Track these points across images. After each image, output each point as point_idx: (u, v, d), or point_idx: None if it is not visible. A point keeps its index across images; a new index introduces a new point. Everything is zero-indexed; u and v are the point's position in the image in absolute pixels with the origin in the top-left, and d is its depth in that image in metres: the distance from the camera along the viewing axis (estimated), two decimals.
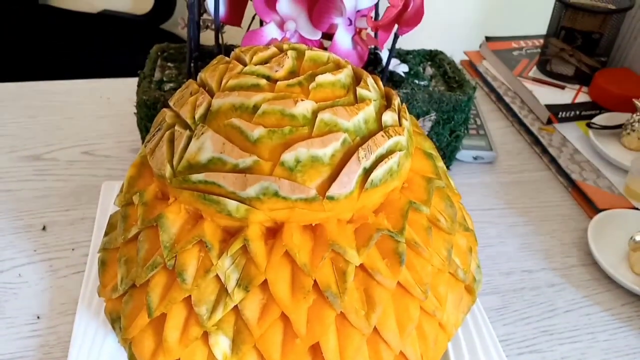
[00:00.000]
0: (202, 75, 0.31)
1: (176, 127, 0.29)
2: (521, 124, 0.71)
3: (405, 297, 0.29)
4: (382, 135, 0.28)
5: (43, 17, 1.25)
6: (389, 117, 0.30)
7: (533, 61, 0.80)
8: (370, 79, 0.31)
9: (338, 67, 0.31)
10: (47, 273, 0.49)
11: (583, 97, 0.73)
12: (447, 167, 0.62)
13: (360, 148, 0.27)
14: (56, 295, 0.47)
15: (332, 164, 0.27)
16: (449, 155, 0.61)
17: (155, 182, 0.30)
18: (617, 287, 0.51)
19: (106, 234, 0.33)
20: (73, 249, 0.51)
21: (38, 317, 0.45)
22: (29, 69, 1.04)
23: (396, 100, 0.32)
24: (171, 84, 0.56)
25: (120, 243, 0.31)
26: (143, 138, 0.56)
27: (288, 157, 0.26)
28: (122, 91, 0.75)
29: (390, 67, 0.58)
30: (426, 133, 0.58)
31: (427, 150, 0.33)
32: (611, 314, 0.49)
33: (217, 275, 0.27)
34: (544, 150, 0.67)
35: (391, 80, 0.58)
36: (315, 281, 0.27)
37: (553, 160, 0.65)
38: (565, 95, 0.73)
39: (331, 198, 0.27)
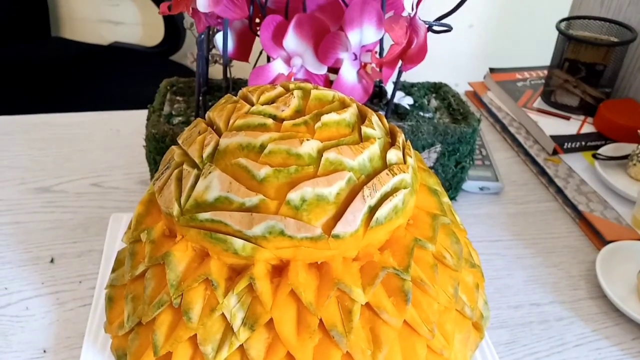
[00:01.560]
0: (210, 114, 0.32)
1: (184, 166, 0.29)
2: (527, 154, 0.72)
3: (412, 335, 0.29)
4: (387, 174, 0.29)
5: (55, 49, 1.28)
6: (393, 155, 0.30)
7: (537, 92, 0.81)
8: (375, 117, 0.32)
9: (343, 105, 0.32)
10: (54, 306, 0.49)
11: (588, 128, 0.73)
12: (453, 198, 0.62)
13: (365, 186, 0.28)
14: (62, 328, 0.47)
15: (338, 202, 0.27)
16: (454, 186, 0.62)
17: (163, 220, 0.30)
18: (627, 320, 0.51)
19: (113, 270, 0.33)
20: (80, 282, 0.52)
21: (44, 351, 0.45)
22: (40, 100, 1.06)
23: (400, 138, 0.32)
24: (180, 118, 0.57)
25: (127, 280, 0.31)
26: (152, 171, 0.57)
27: (294, 196, 0.26)
28: (132, 123, 0.76)
29: (395, 100, 0.59)
30: (431, 165, 0.59)
31: (432, 186, 0.33)
32: (621, 349, 0.48)
33: (222, 314, 0.28)
34: (550, 181, 0.67)
35: (396, 112, 0.59)
36: (321, 320, 0.27)
37: (559, 191, 0.65)
38: (571, 126, 0.74)
39: (337, 237, 0.27)
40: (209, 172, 0.28)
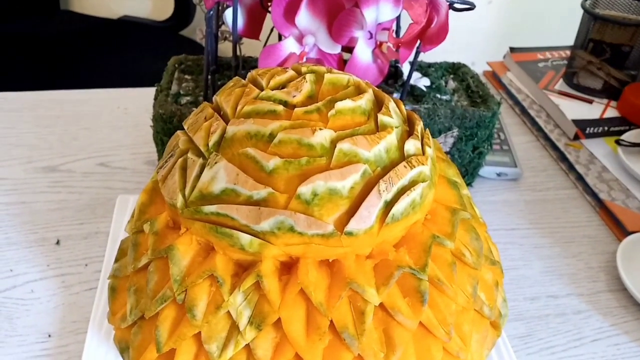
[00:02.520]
0: (217, 98, 0.30)
1: (189, 155, 0.27)
2: (547, 139, 0.69)
3: (428, 337, 0.27)
4: (405, 166, 0.27)
5: (64, 23, 1.26)
6: (411, 145, 0.28)
7: (559, 73, 0.78)
8: (392, 104, 0.30)
9: (359, 91, 0.30)
10: (60, 289, 0.48)
11: (612, 112, 0.70)
12: (469, 184, 0.60)
13: (381, 180, 0.26)
14: (68, 312, 0.46)
15: (351, 197, 0.25)
16: (471, 172, 0.59)
17: (167, 210, 0.28)
18: None
19: (116, 260, 0.32)
20: (86, 265, 0.51)
21: (49, 335, 0.44)
22: (48, 76, 1.04)
23: (419, 126, 0.30)
24: (188, 98, 0.55)
25: (130, 272, 0.30)
26: (159, 152, 0.56)
27: (305, 190, 0.25)
28: (140, 101, 0.74)
29: (412, 81, 0.57)
30: (448, 149, 0.57)
31: (452, 178, 0.31)
32: None
33: (228, 312, 0.26)
34: (571, 167, 0.64)
35: (412, 94, 0.56)
36: (331, 321, 0.25)
37: (580, 178, 0.63)
38: (593, 110, 0.71)
39: (350, 234, 0.25)
40: (215, 162, 0.26)
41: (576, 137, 0.68)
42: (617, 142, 0.65)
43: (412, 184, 0.27)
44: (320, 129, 0.26)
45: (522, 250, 0.55)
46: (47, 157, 0.63)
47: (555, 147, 0.67)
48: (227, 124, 0.27)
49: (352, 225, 0.25)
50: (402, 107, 0.31)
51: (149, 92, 0.69)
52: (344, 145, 0.26)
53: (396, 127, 0.28)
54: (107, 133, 0.68)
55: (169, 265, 0.26)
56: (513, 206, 0.60)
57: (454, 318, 0.28)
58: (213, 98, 0.31)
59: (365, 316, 0.25)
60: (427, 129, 0.31)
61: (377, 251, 0.27)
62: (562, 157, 0.66)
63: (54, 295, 0.47)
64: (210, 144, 0.27)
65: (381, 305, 0.26)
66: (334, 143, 0.26)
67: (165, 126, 0.52)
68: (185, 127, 0.30)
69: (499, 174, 0.63)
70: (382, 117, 0.28)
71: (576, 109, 0.70)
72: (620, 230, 0.56)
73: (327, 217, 0.25)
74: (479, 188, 0.61)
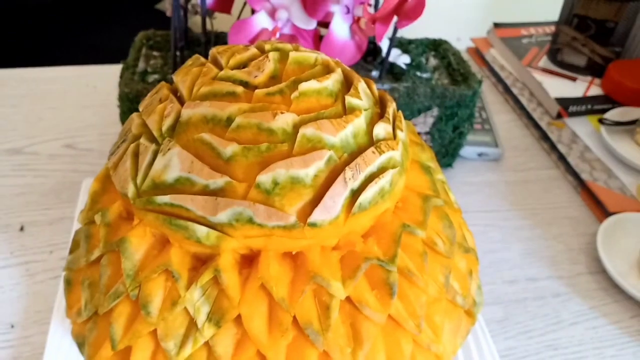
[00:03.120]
0: (175, 78, 0.28)
1: (142, 140, 0.25)
2: (529, 117, 0.68)
3: (397, 331, 0.26)
4: (373, 152, 0.25)
5: None
6: (381, 129, 0.26)
7: (543, 50, 0.76)
8: (362, 84, 0.28)
9: (327, 70, 0.28)
10: (23, 278, 0.46)
11: (595, 90, 0.69)
12: (449, 165, 0.59)
13: (347, 167, 0.24)
14: (32, 302, 0.44)
15: (315, 185, 0.24)
16: (451, 153, 0.58)
17: (120, 200, 0.26)
18: (626, 297, 0.49)
19: (71, 251, 0.30)
20: (51, 252, 0.49)
21: (12, 326, 0.42)
22: (12, 52, 1.00)
23: (391, 108, 0.28)
24: (156, 76, 0.52)
25: (83, 265, 0.28)
26: None
27: (264, 178, 0.23)
28: (109, 79, 0.71)
29: (391, 59, 0.55)
30: (427, 130, 0.55)
31: (425, 162, 0.29)
32: (619, 327, 0.46)
33: (185, 308, 0.25)
34: (553, 147, 0.63)
35: (391, 72, 0.54)
36: (295, 317, 0.24)
37: (562, 158, 0.62)
38: (577, 88, 0.69)
39: (313, 225, 0.23)
40: (168, 149, 0.24)
41: (559, 116, 0.66)
42: (600, 121, 0.64)
43: (381, 170, 0.25)
44: (282, 113, 0.24)
45: (502, 232, 0.54)
46: (11, 139, 0.60)
47: (537, 126, 0.66)
48: (183, 106, 0.25)
49: (316, 216, 0.23)
50: (374, 87, 0.29)
51: (119, 69, 0.66)
52: (307, 130, 0.24)
53: (365, 110, 0.26)
54: (75, 113, 0.65)
55: (121, 260, 0.25)
56: (494, 187, 0.59)
57: (425, 310, 0.26)
58: (172, 77, 0.29)
59: (330, 311, 0.24)
60: (400, 111, 0.29)
61: (343, 242, 0.25)
62: (545, 137, 0.65)
63: (17, 284, 0.45)
64: (164, 128, 0.25)
65: (348, 299, 0.25)
66: (296, 128, 0.24)
67: (132, 106, 0.50)
68: (140, 109, 0.28)
69: (480, 154, 0.61)
70: (350, 99, 0.26)
71: (559, 87, 0.69)
72: (602, 211, 0.56)
73: (289, 207, 0.23)
74: (459, 169, 0.60)
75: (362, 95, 0.27)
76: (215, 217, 0.23)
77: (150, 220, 0.24)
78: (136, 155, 0.25)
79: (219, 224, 0.23)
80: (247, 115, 0.24)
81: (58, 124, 0.63)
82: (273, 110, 0.24)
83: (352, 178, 0.24)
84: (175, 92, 0.28)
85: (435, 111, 0.53)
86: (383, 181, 0.25)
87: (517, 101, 0.70)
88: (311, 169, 0.23)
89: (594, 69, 0.71)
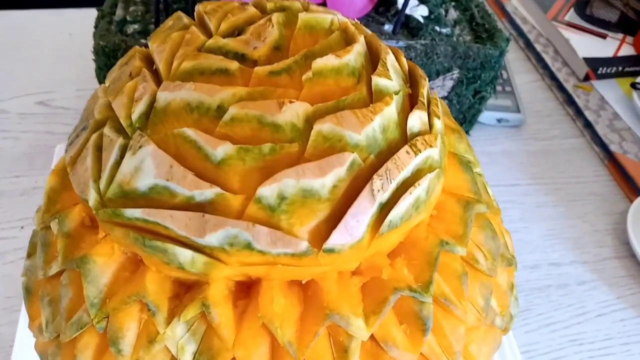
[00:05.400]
0: (150, 44, 0.22)
1: (106, 130, 0.19)
2: (553, 78, 0.61)
3: None
4: (407, 152, 0.19)
5: None
6: (416, 120, 0.20)
7: (570, 1, 0.69)
8: (390, 57, 0.22)
9: (347, 38, 0.21)
10: None
11: (627, 50, 0.62)
12: (467, 133, 0.53)
13: (375, 175, 0.18)
14: (1, 286, 0.40)
15: (333, 199, 0.18)
16: (469, 120, 0.52)
17: (82, 203, 0.21)
18: None
19: (28, 255, 0.25)
20: (22, 227, 0.44)
21: None
22: None
23: (425, 88, 0.22)
24: (136, 26, 0.45)
25: (41, 277, 0.22)
26: None
27: (267, 191, 0.17)
28: (87, 25, 0.63)
29: (407, 10, 0.48)
30: (445, 94, 0.49)
31: (464, 155, 0.24)
32: None
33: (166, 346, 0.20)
34: (578, 113, 0.57)
35: (407, 26, 0.48)
36: None
37: (588, 126, 0.56)
38: (607, 47, 0.63)
39: (330, 251, 0.18)
40: (140, 146, 0.18)
41: (586, 78, 0.60)
42: (633, 86, 0.58)
43: (416, 175, 0.20)
44: (291, 102, 0.18)
45: (522, 210, 0.49)
46: None
47: (562, 89, 0.60)
48: (159, 88, 0.19)
49: (335, 240, 0.18)
50: (403, 59, 0.23)
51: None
52: (324, 126, 0.18)
53: (396, 93, 0.20)
54: (48, 65, 0.58)
55: (83, 284, 0.19)
56: (514, 158, 0.53)
57: (462, 343, 0.21)
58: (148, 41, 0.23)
59: (349, 355, 0.19)
60: (436, 93, 0.23)
61: (366, 266, 0.20)
62: (570, 101, 0.59)
63: None
64: (134, 116, 0.19)
65: (371, 335, 0.20)
66: (310, 122, 0.18)
67: (109, 62, 0.43)
68: (107, 84, 0.22)
69: (499, 120, 0.55)
70: (378, 81, 0.20)
71: (587, 45, 0.62)
72: (631, 187, 0.51)
73: (299, 228, 0.18)
74: (476, 137, 0.54)
75: (392, 73, 0.21)
76: (203, 239, 0.18)
77: (119, 236, 0.19)
78: (99, 149, 0.19)
79: (208, 247, 0.18)
80: (245, 104, 0.18)
81: (29, 78, 0.56)
82: (279, 99, 0.18)
83: (381, 189, 0.18)
84: (150, 62, 0.21)
85: (455, 73, 0.47)
86: (419, 190, 0.19)
87: (540, 59, 0.64)
88: (329, 178, 0.18)
89: (626, 26, 0.64)
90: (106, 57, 0.43)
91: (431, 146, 0.20)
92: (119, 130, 0.19)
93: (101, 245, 0.20)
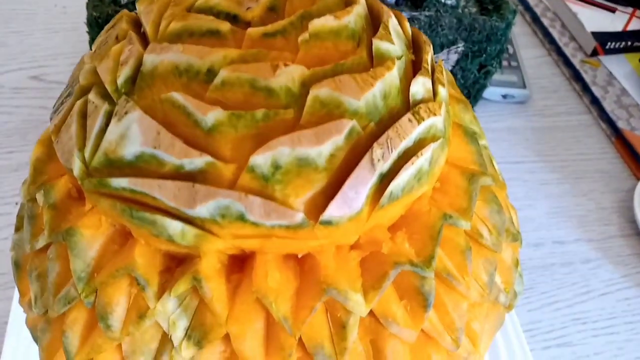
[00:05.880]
0: (138, 6, 0.21)
1: (91, 96, 0.18)
2: (560, 53, 0.60)
3: (428, 346, 0.21)
4: (410, 120, 0.18)
5: None
6: (420, 86, 0.19)
7: None
8: (392, 20, 0.21)
9: (346, 0, 0.20)
10: None
11: (637, 24, 0.61)
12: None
13: (375, 144, 0.17)
14: None
15: (331, 168, 0.17)
16: (474, 95, 0.51)
17: (68, 174, 0.20)
18: None
19: (16, 229, 0.24)
20: (17, 203, 0.43)
21: None
22: None
23: (429, 54, 0.21)
24: None
25: (28, 251, 0.22)
26: None
27: (261, 160, 0.16)
28: None
29: None
30: (450, 68, 0.47)
31: (469, 126, 0.23)
32: None
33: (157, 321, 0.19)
34: (585, 89, 0.56)
35: None
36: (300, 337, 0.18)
37: (595, 102, 0.55)
38: (616, 21, 0.61)
39: (328, 223, 0.17)
40: (125, 112, 0.17)
41: (594, 53, 0.58)
42: None
43: (419, 144, 0.19)
44: (286, 65, 0.17)
45: (527, 187, 0.48)
46: None
47: (569, 64, 0.58)
48: (146, 50, 0.18)
49: (332, 211, 0.17)
50: (406, 24, 0.22)
51: None
52: (321, 91, 0.17)
53: (399, 58, 0.19)
54: (42, 38, 0.56)
55: (70, 258, 0.18)
56: (519, 134, 0.52)
57: (465, 319, 0.21)
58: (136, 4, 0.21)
59: (347, 331, 0.18)
60: (441, 60, 0.22)
61: (365, 239, 0.19)
62: (577, 76, 0.57)
63: None
64: (120, 81, 0.18)
65: (370, 311, 0.19)
66: (306, 87, 0.17)
67: None
68: (92, 50, 0.21)
69: (504, 96, 0.54)
70: (379, 44, 0.19)
71: (596, 19, 0.60)
72: (638, 165, 0.49)
73: (295, 199, 0.17)
74: (481, 113, 0.53)
75: (394, 37, 0.20)
76: (193, 210, 0.17)
77: (105, 208, 0.18)
78: (84, 116, 0.18)
79: (199, 218, 0.17)
80: (237, 67, 0.17)
81: (23, 51, 0.54)
82: (273, 61, 0.17)
83: (381, 159, 0.17)
84: (138, 25, 0.20)
85: (460, 46, 0.45)
86: (422, 160, 0.18)
87: (547, 34, 0.62)
88: (326, 146, 0.17)
89: None
90: (99, 29, 0.42)
91: (435, 114, 0.19)
92: (105, 96, 0.18)
93: (88, 217, 0.19)
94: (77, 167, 0.18)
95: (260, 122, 0.17)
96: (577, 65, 0.57)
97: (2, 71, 0.52)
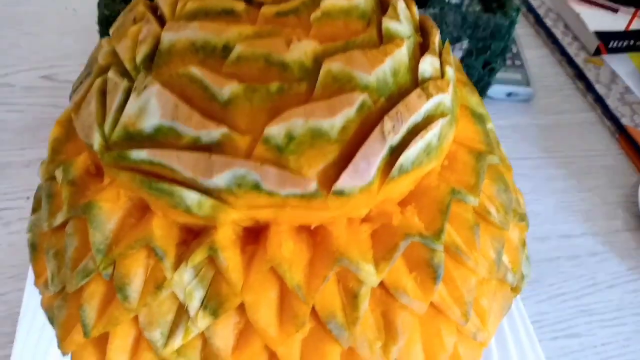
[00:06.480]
0: None
1: (110, 73, 0.19)
2: (563, 53, 0.60)
3: (438, 319, 0.21)
4: (419, 95, 0.19)
5: None
6: (428, 64, 0.20)
7: None
8: (401, 3, 0.21)
9: None
10: None
11: (639, 24, 0.61)
12: None
13: (386, 116, 0.18)
14: (7, 255, 0.40)
15: (343, 140, 0.18)
16: (479, 92, 0.51)
17: (87, 151, 0.21)
18: None
19: (33, 210, 0.25)
20: (28, 198, 0.43)
21: None
22: None
23: (436, 37, 0.22)
24: None
25: (46, 229, 0.22)
26: None
27: (275, 130, 0.17)
28: (91, 0, 0.63)
29: None
30: None
31: (476, 109, 0.23)
32: None
33: (173, 292, 0.19)
34: (589, 87, 0.56)
35: None
36: (313, 306, 0.19)
37: (599, 100, 0.55)
38: (618, 20, 0.61)
39: (340, 193, 0.18)
40: (144, 87, 0.18)
41: (597, 52, 0.59)
42: None
43: (427, 120, 0.19)
44: (299, 40, 0.17)
45: (533, 183, 0.48)
46: None
47: (572, 64, 0.59)
48: (163, 29, 0.19)
49: (344, 182, 0.17)
50: (414, 8, 0.23)
51: None
52: (333, 65, 0.17)
53: (407, 38, 0.20)
54: (53, 40, 0.57)
55: (89, 230, 0.19)
56: (524, 132, 0.53)
57: (474, 294, 0.21)
58: None
59: (358, 300, 0.19)
60: (448, 42, 0.22)
61: (376, 212, 0.19)
62: (580, 75, 0.58)
63: None
64: (139, 58, 0.19)
65: (380, 283, 0.20)
66: (318, 61, 0.18)
67: None
68: (110, 33, 0.21)
69: (509, 94, 0.55)
70: (388, 24, 0.19)
71: (598, 19, 0.61)
72: None
73: (308, 169, 0.17)
74: None
75: (403, 18, 0.20)
76: (210, 180, 0.17)
77: (124, 181, 0.18)
78: (103, 93, 0.19)
79: (215, 189, 0.18)
80: (252, 42, 0.17)
81: (35, 52, 0.55)
82: (287, 37, 0.17)
83: (392, 131, 0.18)
84: (155, 10, 0.21)
85: (465, 43, 0.46)
86: (430, 135, 0.19)
87: (550, 35, 0.63)
88: (338, 118, 0.17)
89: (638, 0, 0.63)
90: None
91: (443, 92, 0.20)
92: (123, 73, 0.19)
93: (107, 191, 0.19)
94: (96, 141, 0.18)
95: (275, 95, 0.17)
96: (581, 64, 0.58)
97: (14, 71, 0.53)
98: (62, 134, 0.22)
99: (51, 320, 0.25)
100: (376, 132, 0.18)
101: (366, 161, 0.17)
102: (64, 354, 0.24)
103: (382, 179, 0.18)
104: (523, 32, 0.64)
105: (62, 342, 0.23)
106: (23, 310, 0.35)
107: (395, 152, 0.18)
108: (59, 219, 0.21)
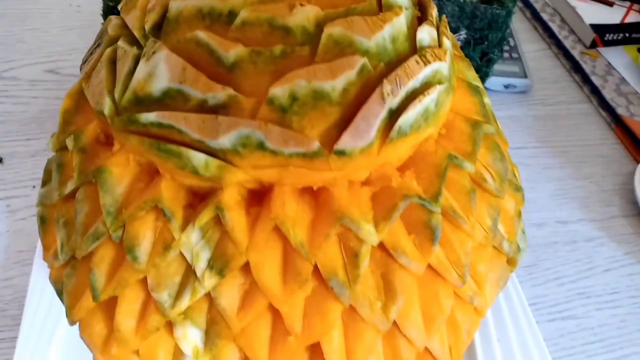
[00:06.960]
0: None
1: (120, 43, 0.20)
2: (560, 46, 0.61)
3: (435, 282, 0.22)
4: (417, 61, 0.20)
5: None
6: (425, 33, 0.21)
7: None
8: None
9: None
10: (4, 215, 0.42)
11: (634, 17, 0.62)
12: None
13: (385, 80, 0.19)
14: (13, 241, 0.40)
15: (344, 102, 0.18)
16: None
17: (97, 120, 0.21)
18: None
19: (43, 183, 0.25)
20: (34, 187, 0.44)
21: None
22: None
23: (433, 10, 0.23)
24: None
25: (56, 200, 0.23)
26: None
27: (279, 92, 0.18)
28: None
29: None
30: None
31: (472, 82, 0.24)
32: None
33: (181, 252, 0.20)
34: (585, 79, 0.57)
35: None
36: (316, 265, 0.19)
37: (595, 91, 0.56)
38: (614, 14, 0.62)
39: (341, 153, 0.18)
40: (153, 52, 0.18)
41: (593, 45, 0.60)
42: (639, 51, 0.58)
43: (425, 86, 0.20)
44: (302, 5, 0.18)
45: (530, 171, 0.49)
46: None
47: (569, 56, 0.60)
48: None
49: (345, 142, 0.18)
50: None
51: None
52: (334, 30, 0.18)
53: (406, 9, 0.21)
54: (57, 34, 0.58)
55: (99, 194, 0.20)
56: (521, 122, 0.53)
57: (470, 258, 0.22)
58: None
59: (359, 259, 0.19)
60: (445, 16, 0.23)
61: (376, 176, 0.20)
62: (576, 67, 0.59)
63: None
64: (147, 26, 0.19)
65: (380, 245, 0.20)
66: (320, 26, 0.18)
67: None
68: (120, 8, 0.22)
69: (506, 86, 0.55)
70: None
71: (594, 12, 0.62)
72: (638, 149, 0.51)
73: (311, 129, 0.18)
74: None
75: None
76: (216, 141, 0.18)
77: (134, 145, 0.19)
78: (113, 62, 0.20)
79: (221, 150, 0.18)
80: (256, 8, 0.18)
81: (40, 46, 0.56)
82: (290, 2, 0.18)
83: (390, 94, 0.19)
84: None
85: (463, 34, 0.47)
86: (428, 100, 0.20)
87: (546, 28, 0.64)
88: (339, 80, 0.18)
89: None
90: None
91: (440, 59, 0.20)
92: (133, 42, 0.20)
93: (117, 157, 0.20)
94: (107, 106, 0.19)
95: (278, 58, 0.18)
96: (577, 57, 0.59)
97: (20, 65, 0.54)
98: (72, 106, 0.23)
99: (60, 292, 0.26)
100: (376, 95, 0.18)
101: (366, 122, 0.18)
102: (72, 323, 0.24)
103: (381, 140, 0.19)
104: (520, 27, 0.65)
105: (71, 309, 0.23)
106: (30, 293, 0.36)
107: (395, 115, 0.19)
108: (70, 187, 0.22)
